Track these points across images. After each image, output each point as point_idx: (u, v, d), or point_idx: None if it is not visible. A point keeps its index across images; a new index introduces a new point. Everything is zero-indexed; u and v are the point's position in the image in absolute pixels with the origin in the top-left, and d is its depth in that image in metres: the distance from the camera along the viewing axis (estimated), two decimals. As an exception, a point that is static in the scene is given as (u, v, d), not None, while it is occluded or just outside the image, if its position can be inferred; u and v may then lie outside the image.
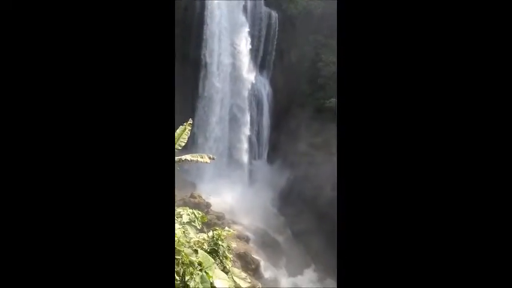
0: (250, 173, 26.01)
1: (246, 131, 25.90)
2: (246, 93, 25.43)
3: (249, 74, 25.33)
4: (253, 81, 25.85)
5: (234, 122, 25.84)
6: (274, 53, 26.61)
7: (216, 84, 24.83)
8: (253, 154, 26.79)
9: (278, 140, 26.85)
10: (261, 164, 26.84)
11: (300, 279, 19.18)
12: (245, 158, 25.97)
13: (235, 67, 25.12)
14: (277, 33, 26.16)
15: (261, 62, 26.80)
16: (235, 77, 25.23)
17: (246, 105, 25.55)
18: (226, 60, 24.87)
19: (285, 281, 18.82)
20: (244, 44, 24.95)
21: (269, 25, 26.15)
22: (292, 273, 19.45)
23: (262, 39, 26.16)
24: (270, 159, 26.93)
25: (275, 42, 26.31)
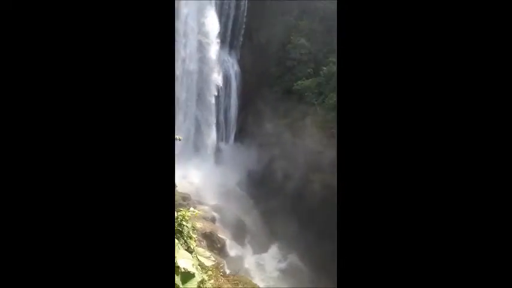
0: (217, 154, 25.99)
1: (214, 111, 25.62)
2: (213, 74, 24.95)
3: (216, 54, 24.77)
4: (221, 61, 25.38)
5: (201, 102, 25.41)
6: (243, 32, 26.15)
7: (182, 64, 24.07)
8: (221, 135, 26.69)
9: (246, 121, 26.91)
10: (228, 145, 26.88)
11: (264, 256, 19.92)
12: (212, 139, 25.83)
13: (202, 46, 24.43)
14: (246, 12, 25.64)
15: (229, 41, 26.27)
16: (202, 57, 24.58)
17: (213, 85, 25.13)
18: (193, 39, 24.07)
19: (249, 258, 19.47)
20: (212, 24, 24.23)
21: (238, 5, 25.53)
22: (256, 251, 20.13)
23: (231, 18, 25.55)
24: (238, 141, 27.01)
25: (244, 21, 25.82)
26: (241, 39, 26.36)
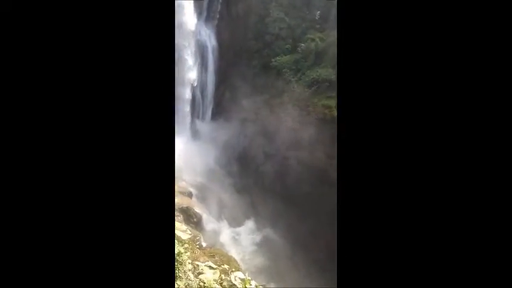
0: (194, 130, 25.65)
1: (190, 86, 24.98)
2: (189, 47, 24.09)
3: (192, 26, 23.81)
4: (198, 34, 24.47)
5: (177, 77, 24.63)
6: (220, 3, 25.18)
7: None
8: (197, 111, 26.24)
9: (223, 97, 26.53)
10: (205, 121, 26.53)
11: (239, 230, 20.38)
12: (189, 114, 25.35)
13: (177, 18, 23.35)
14: (224, -18, 24.60)
15: (206, 14, 25.25)
16: (177, 29, 23.55)
17: (191, 58, 24.34)
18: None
19: (225, 232, 19.86)
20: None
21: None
22: (232, 225, 20.54)
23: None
24: (215, 117, 26.69)
25: (222, -9, 24.82)
26: (218, 9, 25.39)
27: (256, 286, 3.72)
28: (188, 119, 25.34)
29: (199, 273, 3.70)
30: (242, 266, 14.67)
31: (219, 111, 26.54)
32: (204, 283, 3.50)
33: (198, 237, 12.82)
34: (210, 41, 25.76)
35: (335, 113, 19.79)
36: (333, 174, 18.37)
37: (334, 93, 20.65)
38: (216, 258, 12.77)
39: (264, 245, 19.47)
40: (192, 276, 3.57)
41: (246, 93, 24.31)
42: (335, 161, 18.63)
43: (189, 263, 4.72)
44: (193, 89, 25.30)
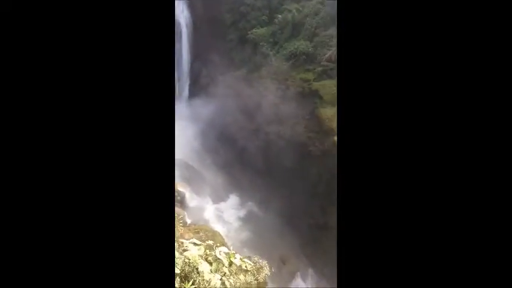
0: (171, 107, 25.02)
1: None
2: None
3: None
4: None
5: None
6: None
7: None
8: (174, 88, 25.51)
9: (199, 74, 25.85)
10: (183, 100, 25.92)
11: (223, 205, 20.61)
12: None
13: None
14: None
15: (177, -17, 23.98)
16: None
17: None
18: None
19: (209, 208, 20.03)
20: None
21: None
22: (216, 201, 20.71)
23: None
24: (192, 94, 26.10)
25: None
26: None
27: (241, 259, 3.75)
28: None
29: (184, 250, 3.67)
30: (227, 241, 14.93)
31: (197, 89, 25.93)
32: (189, 259, 3.48)
33: (181, 216, 12.83)
34: (183, 13, 24.66)
35: (313, 86, 19.79)
36: (313, 148, 18.63)
37: (312, 66, 20.54)
38: (201, 234, 12.90)
39: (248, 220, 19.84)
40: (177, 254, 3.55)
41: (223, 68, 23.75)
42: (315, 135, 18.86)
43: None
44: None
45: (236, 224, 19.63)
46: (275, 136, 20.79)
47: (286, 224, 18.83)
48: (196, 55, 25.79)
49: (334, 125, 17.81)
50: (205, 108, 24.26)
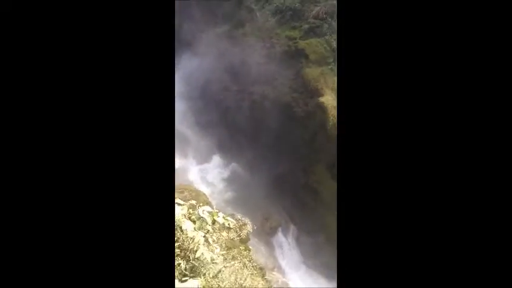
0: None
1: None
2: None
3: None
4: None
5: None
6: None
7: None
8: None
9: (180, 30, 24.55)
10: (163, 56, 24.79)
11: (207, 166, 20.78)
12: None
13: None
14: None
15: None
16: None
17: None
18: None
19: (193, 169, 20.16)
20: None
21: None
22: (199, 162, 20.81)
23: None
24: (173, 51, 24.95)
25: None
26: None
27: (223, 217, 3.81)
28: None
29: (167, 210, 3.69)
30: (211, 200, 15.24)
31: (178, 46, 24.76)
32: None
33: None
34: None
35: (299, 45, 19.25)
36: (297, 109, 18.59)
37: (298, 23, 19.82)
38: (185, 193, 13.07)
39: (231, 180, 20.17)
40: (160, 214, 3.56)
41: (205, 24, 22.58)
42: (299, 95, 18.72)
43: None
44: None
45: (220, 185, 19.96)
46: (259, 96, 20.53)
47: (270, 184, 19.30)
48: (177, 11, 24.28)
49: (320, 85, 17.68)
50: (187, 67, 23.42)
